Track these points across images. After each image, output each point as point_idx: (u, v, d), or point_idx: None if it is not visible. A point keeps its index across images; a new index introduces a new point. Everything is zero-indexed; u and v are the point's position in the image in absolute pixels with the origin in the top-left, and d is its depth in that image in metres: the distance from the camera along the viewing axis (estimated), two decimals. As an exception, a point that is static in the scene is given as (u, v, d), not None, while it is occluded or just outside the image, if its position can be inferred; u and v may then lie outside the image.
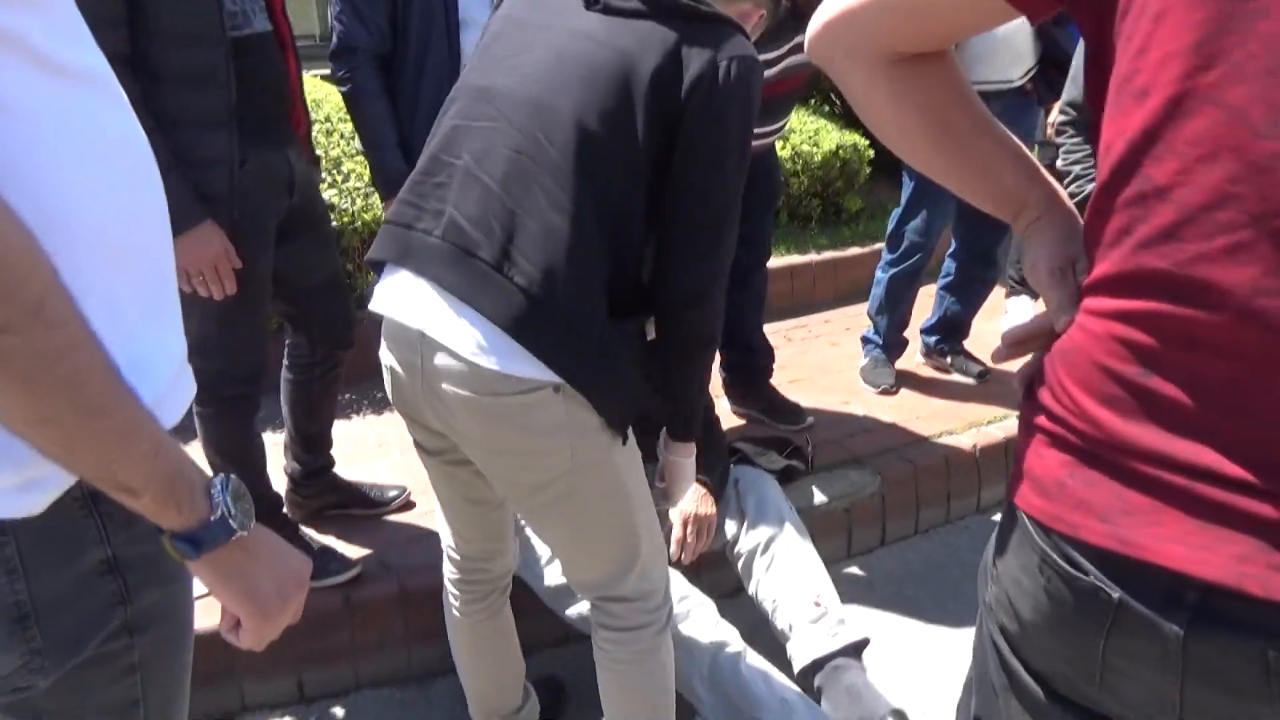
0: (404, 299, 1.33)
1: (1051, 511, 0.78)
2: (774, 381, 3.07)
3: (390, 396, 1.46)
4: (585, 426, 1.35)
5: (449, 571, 1.70)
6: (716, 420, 2.35)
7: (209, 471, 0.80)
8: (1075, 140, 2.33)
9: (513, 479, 1.41)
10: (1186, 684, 0.76)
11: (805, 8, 2.22)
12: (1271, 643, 0.70)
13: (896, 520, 2.64)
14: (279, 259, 2.01)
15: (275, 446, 2.36)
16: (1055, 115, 2.65)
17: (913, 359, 3.39)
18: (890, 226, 3.09)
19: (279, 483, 2.29)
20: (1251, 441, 0.68)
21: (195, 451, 2.08)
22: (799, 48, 2.33)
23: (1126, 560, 0.73)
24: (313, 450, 2.31)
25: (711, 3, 1.37)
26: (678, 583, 1.94)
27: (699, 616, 1.89)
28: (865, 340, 3.28)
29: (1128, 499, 0.73)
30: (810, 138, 4.38)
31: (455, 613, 1.71)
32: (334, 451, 2.42)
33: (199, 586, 2.15)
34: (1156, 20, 0.68)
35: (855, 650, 1.95)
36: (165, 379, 0.84)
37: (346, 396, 3.09)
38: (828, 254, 4.14)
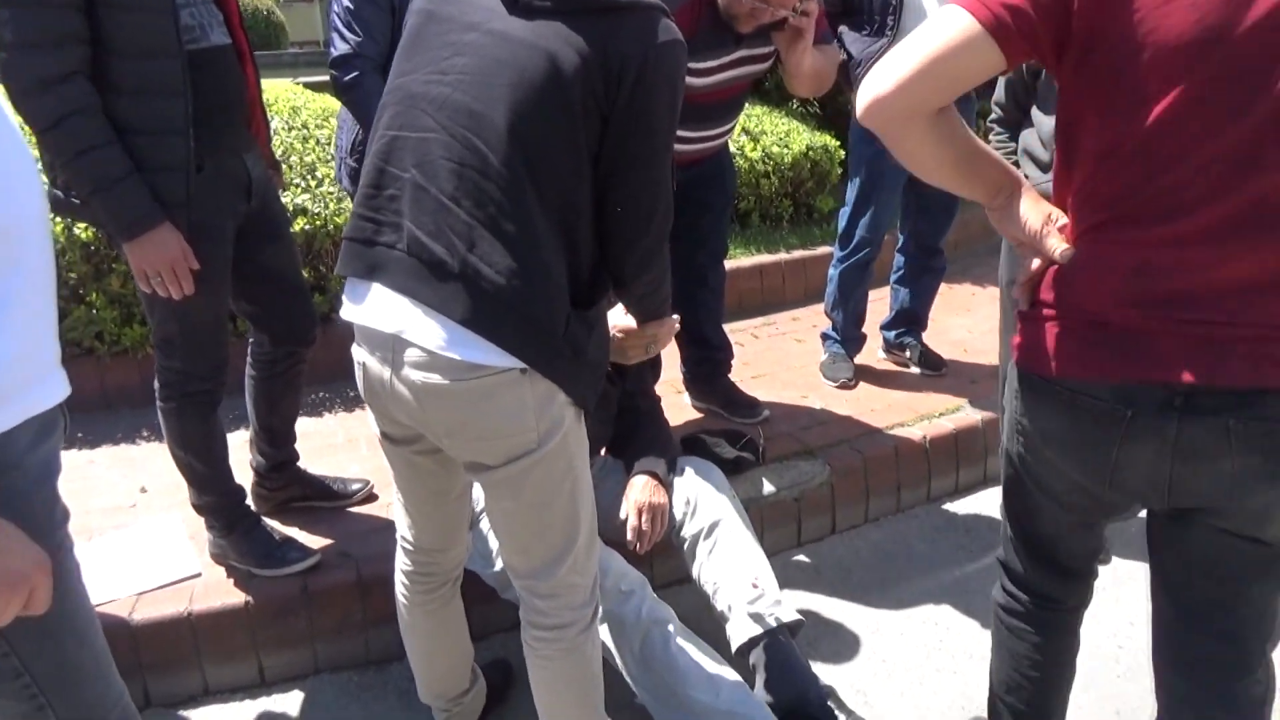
0: (377, 308, 1.42)
1: (1082, 364, 1.22)
2: (737, 377, 3.15)
3: (361, 390, 1.54)
4: (549, 406, 1.44)
5: (402, 563, 1.77)
6: (662, 413, 2.43)
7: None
8: (1001, 137, 2.43)
9: (478, 458, 1.48)
10: (1175, 464, 1.21)
11: (734, 22, 2.31)
12: (1231, 416, 1.15)
13: (846, 509, 2.73)
14: (239, 260, 2.09)
15: (243, 442, 2.46)
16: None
17: (875, 355, 3.48)
18: (841, 226, 3.20)
19: (245, 477, 2.38)
20: (1215, 294, 1.13)
21: (163, 447, 2.17)
22: (741, 61, 2.41)
23: (1136, 383, 1.18)
24: (276, 445, 2.40)
25: None
26: (615, 562, 2.02)
27: (633, 595, 1.97)
28: (825, 337, 3.38)
29: (1145, 342, 1.16)
30: (781, 139, 4.47)
31: (406, 603, 1.79)
32: (304, 446, 2.51)
33: (158, 578, 2.24)
34: None
35: (790, 630, 2.03)
36: None
37: (319, 394, 3.18)
38: (797, 253, 4.23)
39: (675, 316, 1.77)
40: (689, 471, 2.27)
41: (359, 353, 1.50)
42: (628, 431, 2.31)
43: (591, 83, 1.36)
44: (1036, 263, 1.30)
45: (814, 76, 2.42)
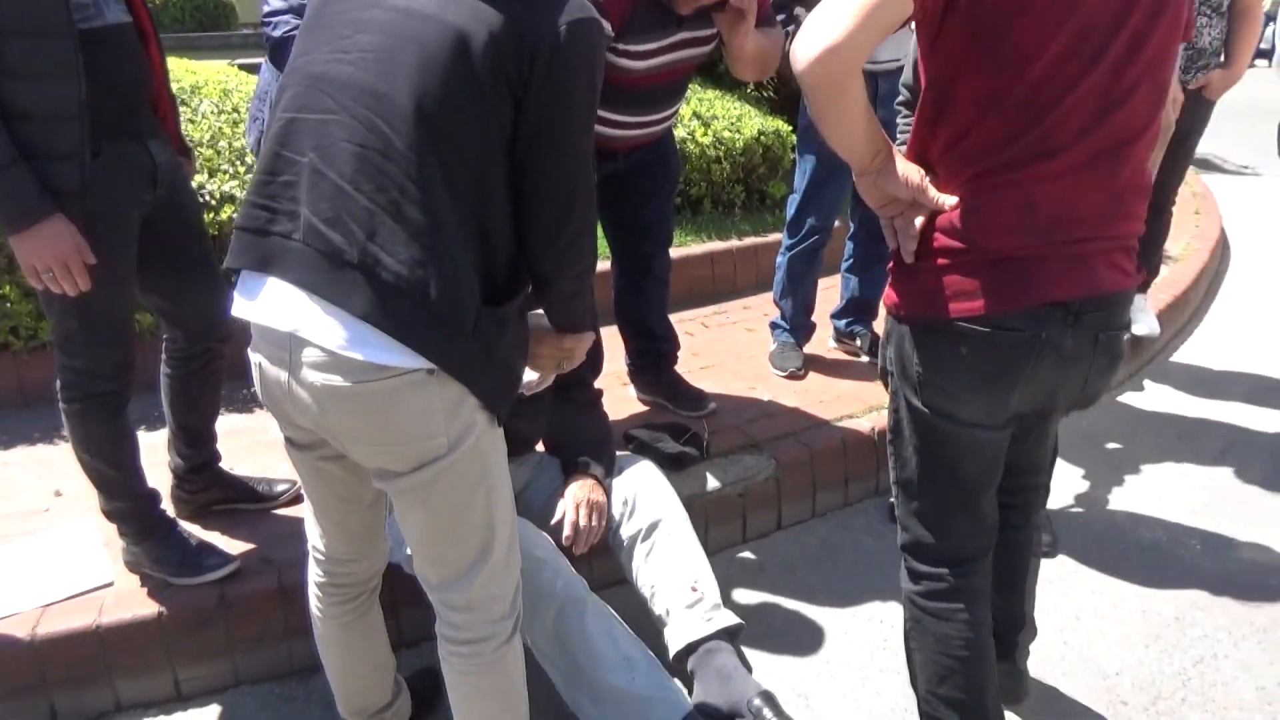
0: (273, 304, 1.32)
1: (995, 299, 1.35)
2: (685, 367, 3.08)
3: (259, 393, 1.44)
4: (460, 409, 1.35)
5: (314, 574, 1.68)
6: (601, 408, 2.34)
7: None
8: (907, 120, 2.36)
9: (385, 464, 1.40)
10: (1061, 372, 1.42)
11: (674, 4, 2.21)
12: (1101, 328, 1.40)
13: (792, 504, 2.66)
14: (147, 251, 1.98)
15: (163, 442, 2.34)
16: None
17: (825, 345, 3.42)
18: (790, 214, 3.13)
19: (164, 478, 2.27)
20: (1082, 216, 1.34)
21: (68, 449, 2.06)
22: (682, 44, 2.31)
23: (1041, 306, 1.35)
24: (195, 445, 2.29)
25: None
26: (527, 529, 1.92)
27: (546, 565, 1.88)
28: (774, 326, 3.31)
29: (1038, 268, 1.34)
30: (733, 124, 4.39)
31: (319, 615, 1.69)
32: (232, 444, 2.40)
33: (67, 588, 2.12)
34: None
35: (729, 635, 1.96)
36: None
37: (248, 389, 3.05)
38: (749, 240, 4.16)
39: (592, 334, 1.66)
40: (627, 470, 2.19)
41: (254, 354, 1.40)
42: (564, 427, 2.22)
43: (502, 61, 1.29)
44: (919, 220, 1.40)
45: (757, 59, 2.34)
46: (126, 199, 1.88)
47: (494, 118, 1.31)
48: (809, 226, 3.04)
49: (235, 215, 3.04)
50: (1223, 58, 3.33)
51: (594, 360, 2.36)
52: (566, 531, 2.02)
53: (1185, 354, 3.91)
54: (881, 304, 1.57)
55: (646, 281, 2.80)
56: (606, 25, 2.13)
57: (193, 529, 2.24)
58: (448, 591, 1.50)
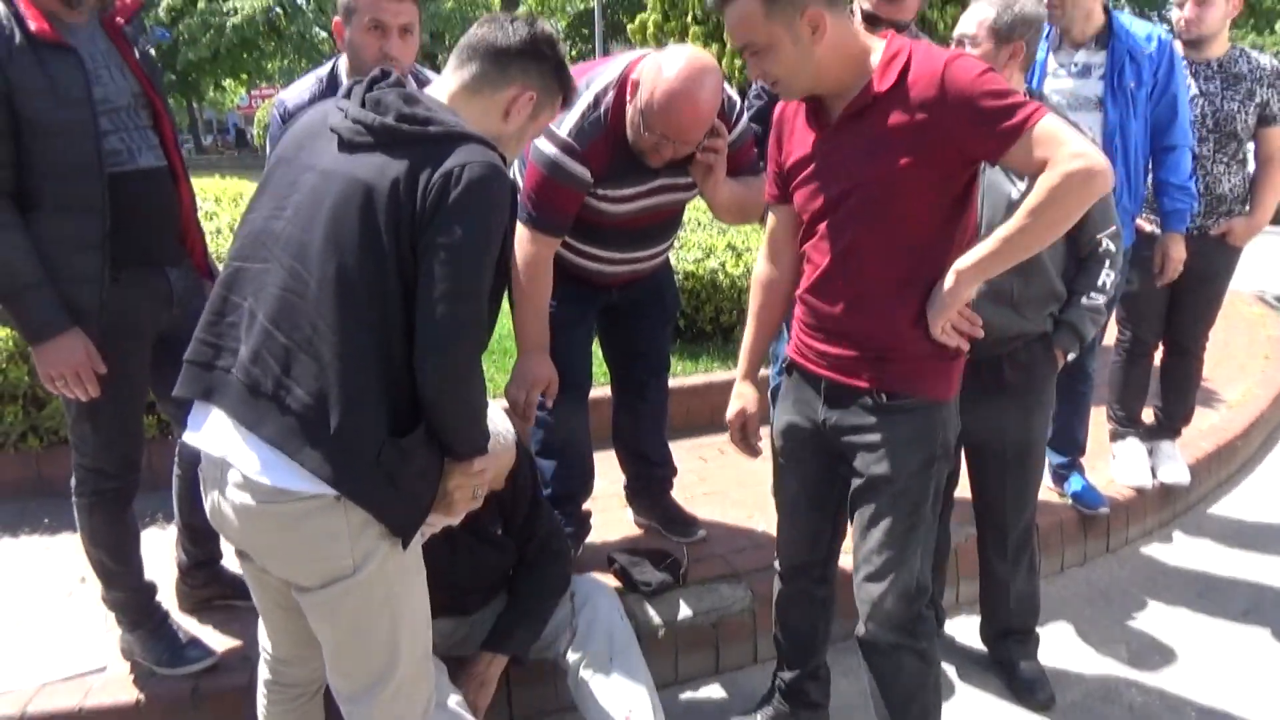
0: (210, 432, 1.51)
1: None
2: (689, 493, 3.15)
3: (206, 510, 1.61)
4: (365, 533, 1.49)
5: (262, 671, 1.82)
6: (553, 557, 2.29)
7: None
8: None
9: (295, 579, 1.54)
10: None
11: (642, 156, 2.36)
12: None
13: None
14: (165, 364, 2.19)
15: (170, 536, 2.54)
16: None
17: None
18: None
19: (173, 571, 2.47)
20: None
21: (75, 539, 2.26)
22: (661, 189, 2.46)
23: None
24: (198, 543, 2.47)
25: (445, 120, 1.50)
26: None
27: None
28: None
29: None
30: (768, 255, 4.52)
31: (263, 712, 1.83)
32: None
33: (65, 669, 2.26)
34: None
35: (660, 768, 1.99)
36: None
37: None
38: (777, 368, 4.22)
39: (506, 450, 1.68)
40: (579, 596, 2.25)
41: (201, 474, 1.58)
42: (520, 590, 2.26)
43: (401, 205, 1.45)
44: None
45: (733, 208, 2.46)
46: (143, 318, 2.13)
47: (395, 260, 1.45)
48: (784, 358, 3.07)
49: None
50: (1247, 205, 3.32)
51: (516, 500, 2.19)
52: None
53: (1226, 506, 3.74)
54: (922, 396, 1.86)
55: (642, 407, 2.89)
56: (583, 171, 2.30)
57: (189, 621, 2.41)
58: (354, 704, 1.61)
